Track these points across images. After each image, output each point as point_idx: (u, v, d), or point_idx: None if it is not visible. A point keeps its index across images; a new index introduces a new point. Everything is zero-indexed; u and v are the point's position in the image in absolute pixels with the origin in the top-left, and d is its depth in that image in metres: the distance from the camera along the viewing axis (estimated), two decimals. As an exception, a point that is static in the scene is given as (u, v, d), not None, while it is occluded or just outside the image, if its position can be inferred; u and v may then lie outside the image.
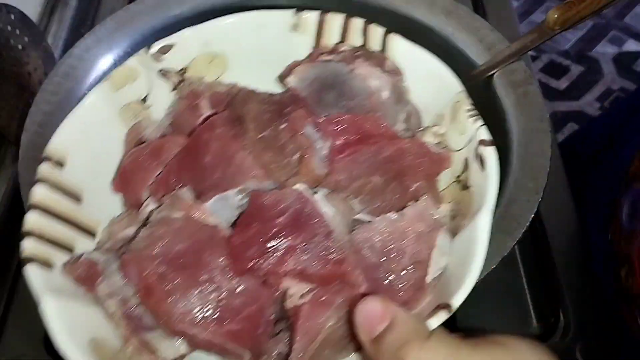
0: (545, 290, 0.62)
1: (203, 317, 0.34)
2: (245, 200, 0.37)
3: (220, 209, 0.37)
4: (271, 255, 0.35)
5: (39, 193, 0.36)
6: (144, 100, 0.42)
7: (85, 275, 0.35)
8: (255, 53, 0.44)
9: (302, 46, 0.45)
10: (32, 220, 0.36)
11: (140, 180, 0.40)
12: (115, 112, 0.41)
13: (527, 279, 0.65)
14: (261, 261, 0.34)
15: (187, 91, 0.42)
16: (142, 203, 0.40)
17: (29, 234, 0.36)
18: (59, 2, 0.90)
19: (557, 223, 0.67)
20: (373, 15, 0.49)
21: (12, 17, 0.67)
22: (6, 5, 0.66)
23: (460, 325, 0.60)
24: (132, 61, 0.41)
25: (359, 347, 0.34)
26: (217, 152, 0.38)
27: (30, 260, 0.35)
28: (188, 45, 0.42)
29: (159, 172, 0.40)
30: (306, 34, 0.44)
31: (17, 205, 0.68)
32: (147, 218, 0.38)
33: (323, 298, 0.34)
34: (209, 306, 0.34)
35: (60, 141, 0.38)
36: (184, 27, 0.69)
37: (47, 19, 0.87)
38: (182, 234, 0.36)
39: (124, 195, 0.41)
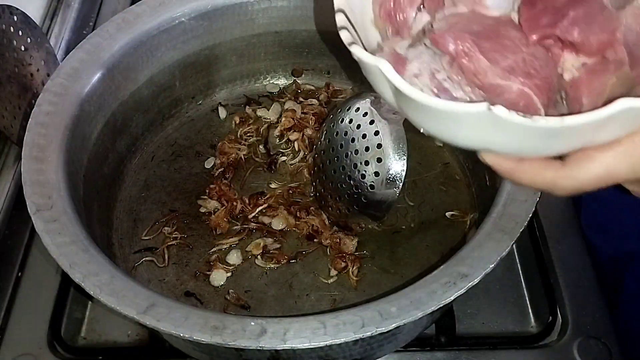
0: (543, 289, 0.63)
1: (519, 70, 0.37)
2: None
3: (499, 2, 0.41)
4: (560, 24, 0.38)
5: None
6: None
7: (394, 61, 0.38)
8: None
9: None
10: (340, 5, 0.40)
11: (407, 3, 0.43)
12: None
13: (525, 278, 0.66)
14: (552, 30, 0.38)
15: None
16: (410, 24, 0.43)
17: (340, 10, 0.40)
18: (61, 3, 0.90)
19: (555, 222, 0.68)
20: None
21: (15, 18, 0.68)
22: (9, 6, 0.66)
23: (460, 324, 0.61)
24: None
25: None
26: None
27: (342, 28, 0.39)
28: None
29: None
30: None
31: (20, 204, 0.69)
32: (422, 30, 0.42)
33: (597, 69, 0.37)
34: (520, 63, 0.38)
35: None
36: (185, 28, 0.70)
37: (50, 20, 0.88)
38: (473, 22, 0.40)
39: (390, 22, 0.44)
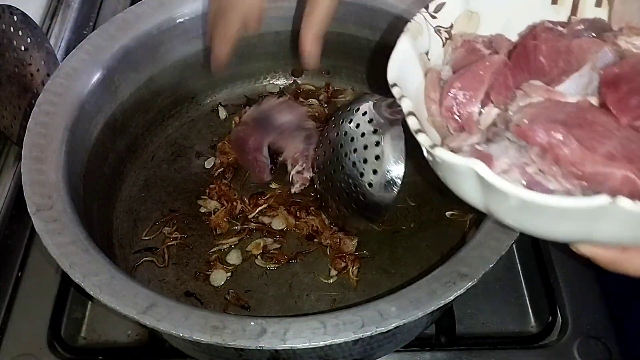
0: (543, 289, 0.63)
1: (619, 156, 0.36)
2: (595, 75, 0.41)
3: (574, 88, 0.41)
4: None
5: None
6: (427, 53, 0.46)
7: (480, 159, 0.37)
8: (506, 14, 0.48)
9: (555, 16, 0.47)
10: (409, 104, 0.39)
11: (470, 99, 0.43)
12: (417, 57, 0.45)
13: (525, 278, 0.66)
14: None
15: (461, 41, 0.47)
16: (475, 119, 0.43)
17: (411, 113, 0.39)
18: (61, 3, 0.90)
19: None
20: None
21: (15, 18, 0.68)
22: (9, 6, 0.66)
23: (460, 324, 0.61)
24: (419, 17, 0.46)
25: None
26: (550, 50, 0.43)
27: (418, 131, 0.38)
28: (454, 3, 0.47)
29: (486, 86, 0.43)
30: (564, 7, 0.47)
31: (20, 204, 0.69)
32: (493, 123, 0.42)
33: None
34: (618, 148, 0.37)
35: (391, 77, 0.42)
36: (185, 28, 0.70)
37: (50, 20, 0.88)
38: (555, 110, 0.39)
39: (452, 118, 0.44)
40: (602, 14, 0.46)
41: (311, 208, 0.66)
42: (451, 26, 0.46)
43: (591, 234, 0.34)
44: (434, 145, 0.36)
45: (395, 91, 0.40)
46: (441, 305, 0.45)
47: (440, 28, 0.46)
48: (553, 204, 0.32)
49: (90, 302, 0.65)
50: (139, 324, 0.47)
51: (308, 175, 0.67)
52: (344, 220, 0.63)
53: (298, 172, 0.67)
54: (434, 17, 0.46)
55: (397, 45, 0.43)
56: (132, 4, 0.81)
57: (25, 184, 0.53)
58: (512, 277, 0.66)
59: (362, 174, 0.58)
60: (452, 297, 0.46)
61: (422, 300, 0.45)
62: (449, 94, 0.43)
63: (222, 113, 0.76)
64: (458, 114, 0.43)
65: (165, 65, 0.70)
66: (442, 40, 0.46)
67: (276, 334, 0.44)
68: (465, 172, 0.34)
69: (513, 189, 0.32)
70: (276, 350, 0.46)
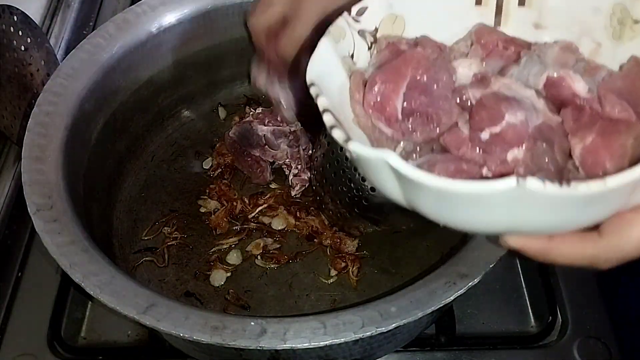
0: (543, 289, 0.63)
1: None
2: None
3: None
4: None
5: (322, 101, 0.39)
6: (352, 56, 0.47)
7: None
8: (430, 16, 0.48)
9: (480, 18, 0.47)
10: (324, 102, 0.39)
11: (391, 91, 0.43)
12: (339, 60, 0.45)
13: (525, 278, 0.66)
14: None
15: (385, 43, 0.47)
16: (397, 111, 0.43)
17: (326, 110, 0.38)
18: (61, 3, 0.90)
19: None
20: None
21: (15, 18, 0.68)
22: (9, 6, 0.66)
23: (460, 324, 0.61)
24: (340, 21, 0.46)
25: None
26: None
27: (333, 127, 0.37)
28: (377, 7, 0.47)
29: (407, 80, 0.43)
30: (488, 8, 0.47)
31: (20, 204, 0.69)
32: None
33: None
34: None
35: (309, 77, 0.41)
36: (185, 28, 0.70)
37: (50, 20, 0.88)
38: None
39: (375, 112, 0.44)
40: (527, 14, 0.46)
41: (311, 208, 0.66)
42: (376, 29, 0.47)
43: (514, 223, 0.33)
44: (347, 139, 0.35)
45: (312, 90, 0.39)
46: (441, 305, 0.45)
47: (364, 31, 0.46)
48: (462, 188, 0.30)
49: (90, 302, 0.65)
50: (139, 324, 0.47)
51: (305, 176, 0.67)
52: (344, 222, 0.63)
53: (295, 175, 0.67)
54: (356, 21, 0.46)
55: (317, 47, 0.43)
56: (132, 3, 0.81)
57: (25, 184, 0.53)
58: (512, 277, 0.66)
59: (364, 179, 0.58)
60: (452, 297, 0.46)
61: (422, 300, 0.45)
62: (371, 90, 0.43)
63: (222, 113, 0.76)
64: (380, 108, 0.43)
65: (165, 65, 0.70)
66: (367, 43, 0.47)
67: (276, 334, 0.44)
68: (380, 165, 0.33)
69: (423, 176, 0.31)
70: (276, 350, 0.46)
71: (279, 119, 0.68)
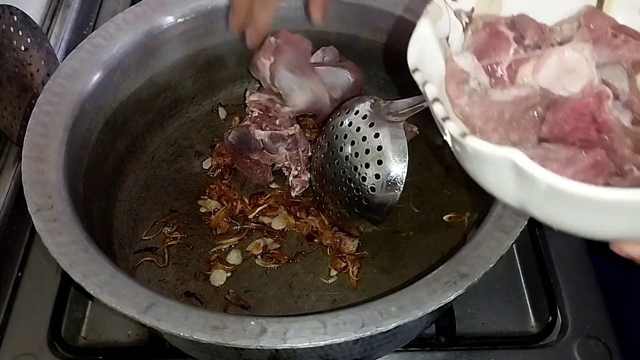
0: (543, 289, 0.63)
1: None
2: None
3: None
4: None
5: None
6: (447, 38, 0.44)
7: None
8: None
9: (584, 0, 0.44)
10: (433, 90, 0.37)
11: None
12: (437, 43, 0.42)
13: (525, 278, 0.66)
14: None
15: (482, 23, 0.44)
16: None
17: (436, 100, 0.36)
18: (61, 3, 0.90)
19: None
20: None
21: (15, 18, 0.68)
22: (9, 6, 0.66)
23: (460, 324, 0.61)
24: (439, 0, 0.43)
25: None
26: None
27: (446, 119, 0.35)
28: None
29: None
30: None
31: (20, 204, 0.69)
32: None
33: None
34: None
35: (412, 62, 0.39)
36: (185, 28, 0.70)
37: (50, 20, 0.88)
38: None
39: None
40: None
41: (311, 208, 0.66)
42: (472, 9, 0.44)
43: (637, 232, 0.31)
44: (464, 134, 0.33)
45: (417, 77, 0.37)
46: (441, 305, 0.45)
47: (460, 11, 0.43)
48: (602, 196, 0.28)
49: (90, 302, 0.65)
50: (139, 323, 0.47)
51: (306, 177, 0.67)
52: (344, 222, 0.63)
53: (295, 176, 0.67)
54: (454, 0, 0.43)
55: (416, 28, 0.40)
56: (132, 4, 0.81)
57: (26, 184, 0.53)
58: (512, 277, 0.66)
59: (364, 178, 0.58)
60: (452, 297, 0.46)
61: (422, 300, 0.45)
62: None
63: (222, 113, 0.76)
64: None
65: (165, 65, 0.70)
66: (462, 24, 0.44)
67: (276, 334, 0.44)
68: (500, 162, 0.31)
69: (559, 181, 0.29)
70: (276, 350, 0.46)
71: (277, 122, 0.68)
